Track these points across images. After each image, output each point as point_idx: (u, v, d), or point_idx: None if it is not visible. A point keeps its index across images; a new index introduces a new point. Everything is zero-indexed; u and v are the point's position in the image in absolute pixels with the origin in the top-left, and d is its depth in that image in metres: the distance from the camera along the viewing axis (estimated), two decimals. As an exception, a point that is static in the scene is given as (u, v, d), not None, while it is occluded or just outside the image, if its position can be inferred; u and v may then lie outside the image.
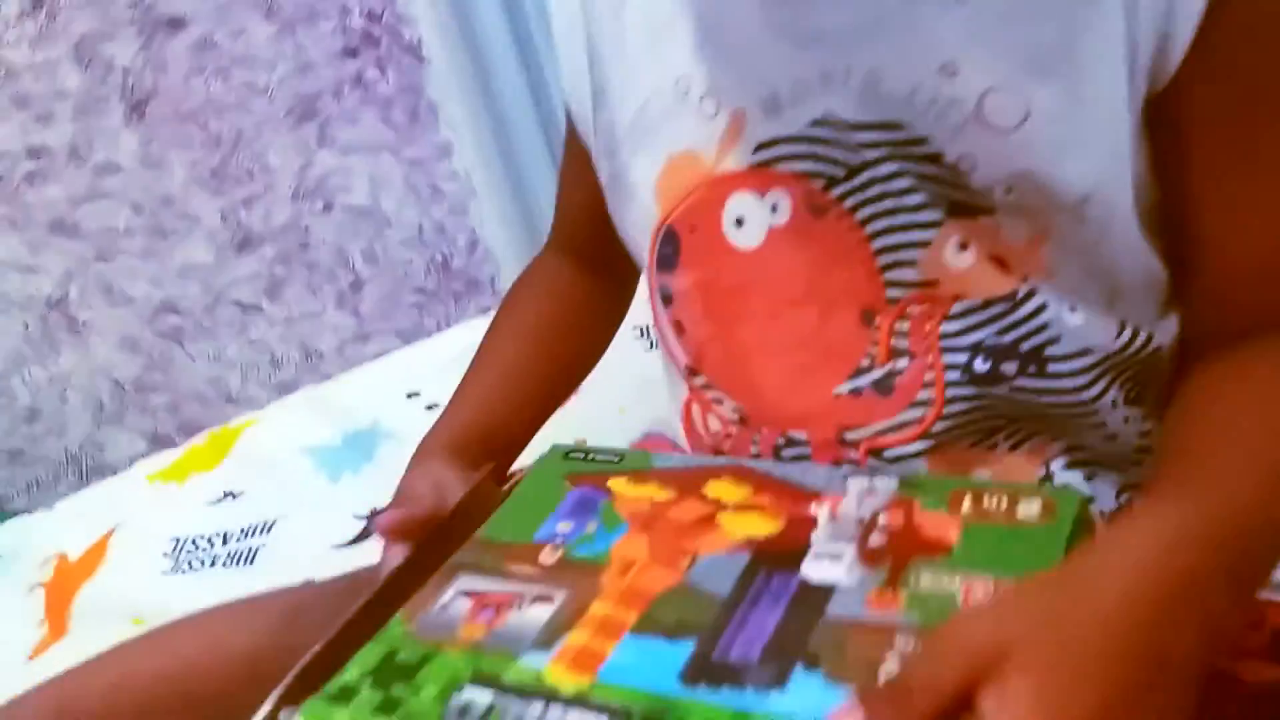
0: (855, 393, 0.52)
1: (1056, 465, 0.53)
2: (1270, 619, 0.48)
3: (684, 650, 0.39)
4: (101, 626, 0.68)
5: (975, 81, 0.46)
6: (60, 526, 0.90)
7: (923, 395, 0.51)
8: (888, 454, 0.52)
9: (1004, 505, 0.43)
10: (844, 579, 0.41)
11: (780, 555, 0.43)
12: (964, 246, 0.48)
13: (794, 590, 0.41)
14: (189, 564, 0.83)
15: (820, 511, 0.45)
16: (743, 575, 0.43)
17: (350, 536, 0.82)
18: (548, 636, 0.42)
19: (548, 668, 0.40)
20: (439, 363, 1.04)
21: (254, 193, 1.76)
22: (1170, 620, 0.34)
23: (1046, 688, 0.32)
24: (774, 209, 0.52)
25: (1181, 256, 0.49)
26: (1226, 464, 0.41)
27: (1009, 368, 0.49)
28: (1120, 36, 0.44)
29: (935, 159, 0.47)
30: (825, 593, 0.41)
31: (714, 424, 0.58)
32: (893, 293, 0.50)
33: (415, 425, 0.94)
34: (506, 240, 1.88)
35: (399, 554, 0.51)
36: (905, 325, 0.50)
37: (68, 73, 1.63)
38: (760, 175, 0.52)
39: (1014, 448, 0.52)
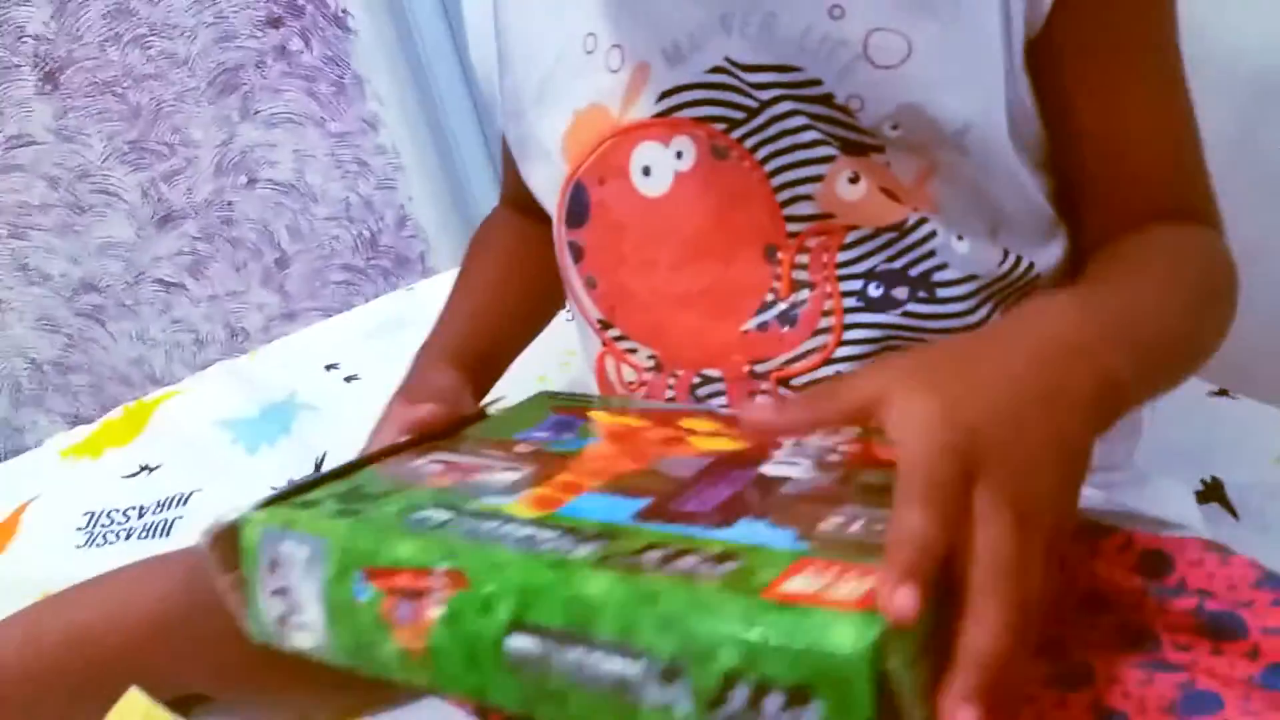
0: (762, 327, 0.54)
1: None
2: (1137, 543, 0.51)
3: (641, 502, 0.40)
4: (12, 602, 0.66)
5: (860, 21, 0.49)
6: (-31, 503, 0.88)
7: (824, 323, 0.53)
8: (795, 382, 0.54)
9: None
10: (799, 475, 0.43)
11: (742, 459, 0.45)
12: (855, 180, 0.51)
13: (751, 478, 0.43)
14: (103, 538, 0.81)
15: (787, 439, 0.47)
16: (705, 468, 0.44)
17: (268, 507, 0.81)
18: (512, 489, 0.43)
19: (509, 505, 0.41)
20: (358, 335, 1.03)
21: (175, 167, 1.72)
22: (1066, 363, 0.38)
23: (945, 392, 0.34)
24: (679, 155, 0.54)
25: (1072, 181, 0.54)
26: (1123, 280, 0.47)
27: (900, 293, 0.52)
28: None
29: (827, 100, 0.50)
30: (781, 480, 0.42)
31: (628, 374, 0.59)
32: (792, 227, 0.53)
33: (334, 397, 0.94)
34: (436, 216, 1.87)
35: (391, 435, 0.52)
36: (805, 258, 0.53)
37: (-24, 41, 1.58)
38: (665, 124, 0.54)
39: None
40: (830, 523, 0.37)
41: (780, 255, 0.53)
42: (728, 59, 0.52)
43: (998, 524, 0.32)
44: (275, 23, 1.69)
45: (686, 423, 0.51)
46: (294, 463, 0.85)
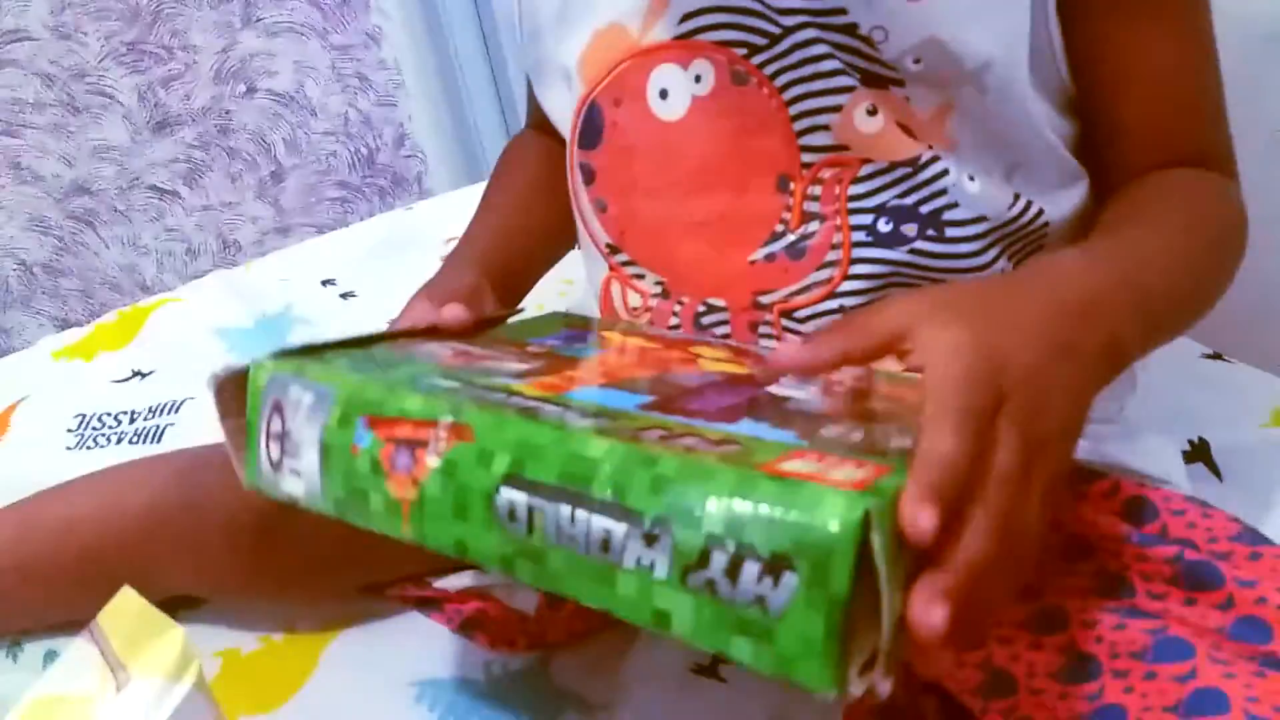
0: (769, 258, 0.54)
1: None
2: (1123, 489, 0.52)
3: (645, 397, 0.41)
4: (4, 500, 0.67)
5: None
6: (-42, 399, 0.88)
7: (830, 256, 0.53)
8: (798, 314, 0.54)
9: None
10: (804, 396, 0.43)
11: (749, 380, 0.46)
12: (873, 112, 0.51)
13: (756, 393, 0.43)
14: (94, 440, 0.81)
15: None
16: (711, 382, 0.45)
17: (260, 419, 0.81)
18: (519, 376, 0.43)
19: (516, 385, 0.41)
20: (356, 252, 1.03)
21: (173, 71, 1.69)
22: (1080, 320, 0.39)
23: (978, 323, 0.35)
24: (697, 79, 0.53)
25: (1095, 125, 0.54)
26: (1135, 233, 0.48)
27: (909, 229, 0.52)
28: None
29: (850, 29, 0.50)
30: (785, 399, 0.42)
31: (633, 299, 0.59)
32: (807, 157, 0.53)
33: (329, 312, 0.93)
34: (435, 135, 1.84)
35: (421, 317, 0.52)
36: (817, 189, 0.53)
37: (-28, -69, 1.54)
38: (685, 46, 0.53)
39: None
40: (831, 430, 0.37)
41: (793, 186, 0.53)
42: None
43: (1008, 448, 0.33)
44: (281, -73, 1.66)
45: (698, 349, 0.52)
46: (287, 376, 0.85)
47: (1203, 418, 0.66)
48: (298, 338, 0.90)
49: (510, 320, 0.58)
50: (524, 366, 0.45)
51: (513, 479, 0.35)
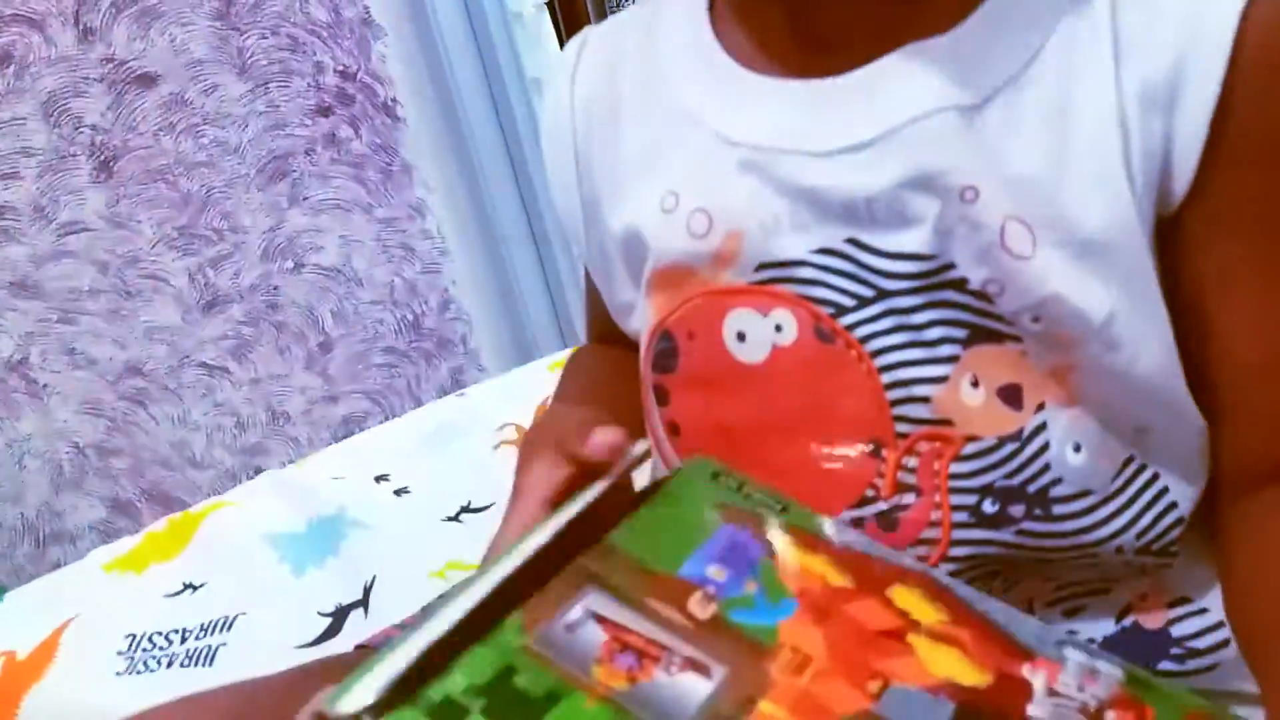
0: (858, 523, 0.50)
1: (1039, 601, 0.51)
2: None
3: None
4: (49, 734, 0.64)
5: (995, 207, 0.44)
6: (9, 620, 0.86)
7: (928, 534, 0.48)
8: None
9: None
10: None
11: (991, 713, 0.38)
12: (975, 384, 0.47)
13: None
14: (144, 664, 0.79)
15: (1035, 679, 0.40)
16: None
17: (314, 636, 0.78)
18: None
19: None
20: (409, 444, 1.01)
21: (223, 252, 1.73)
22: None
23: None
24: (778, 329, 0.50)
25: (1201, 395, 0.48)
26: None
27: (1016, 510, 0.47)
28: (1118, 158, 0.43)
29: (960, 285, 0.46)
30: None
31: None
32: (901, 427, 0.48)
33: (384, 512, 0.91)
34: (479, 298, 1.86)
35: (550, 474, 0.45)
36: (913, 461, 0.48)
37: (35, 129, 1.60)
38: (762, 293, 0.50)
39: (1007, 590, 0.50)
40: None
41: (885, 453, 0.49)
42: (851, 240, 0.48)
43: None
44: (325, 111, 1.71)
45: (900, 598, 0.43)
46: (342, 585, 0.83)
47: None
48: (351, 541, 0.88)
49: (651, 481, 0.50)
50: (704, 688, 0.37)
51: None
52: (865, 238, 0.47)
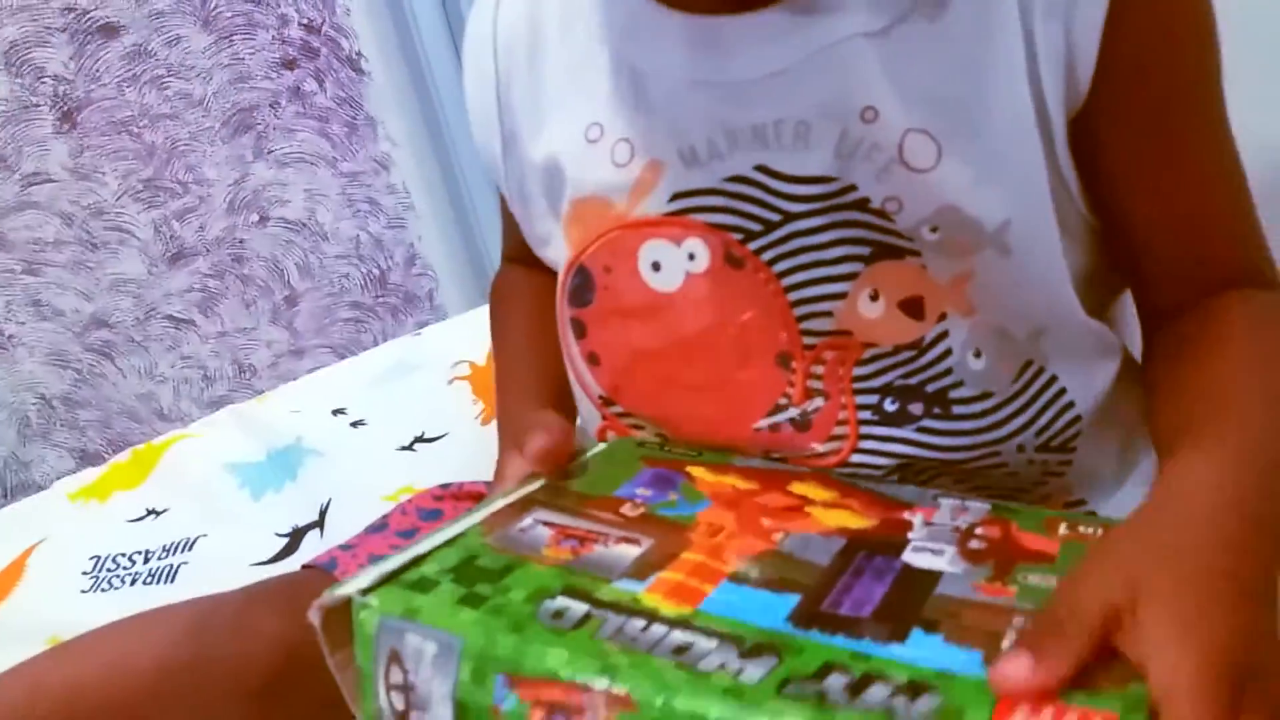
0: (774, 428, 0.53)
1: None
2: None
3: (789, 600, 0.37)
4: (19, 647, 0.66)
5: (894, 123, 0.48)
6: (-24, 545, 0.88)
7: (838, 430, 0.52)
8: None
9: (1099, 531, 0.43)
10: (949, 568, 0.40)
11: (877, 543, 0.42)
12: (875, 297, 0.50)
13: (898, 570, 0.40)
14: (109, 582, 0.82)
15: (914, 518, 0.44)
16: (840, 552, 0.41)
17: (271, 554, 0.81)
18: (639, 570, 0.40)
19: (644, 593, 0.38)
20: (366, 380, 1.04)
21: (188, 205, 1.74)
22: (1247, 535, 0.37)
23: (1184, 616, 0.33)
24: (691, 257, 0.53)
25: (1127, 258, 0.53)
26: (1252, 411, 0.44)
27: (916, 408, 0.51)
28: (1022, 69, 0.47)
29: (862, 204, 0.49)
30: (932, 576, 0.39)
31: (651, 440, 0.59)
32: (808, 340, 0.52)
33: (340, 442, 0.94)
34: (445, 254, 1.88)
35: (521, 469, 0.51)
36: (820, 369, 0.52)
37: (-4, 80, 1.60)
38: (676, 223, 0.53)
39: (920, 486, 0.54)
40: (1010, 640, 0.34)
41: (794, 364, 0.52)
42: (760, 168, 0.50)
43: None
44: (290, 65, 1.72)
45: (798, 488, 0.49)
46: (299, 508, 0.86)
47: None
48: (309, 468, 0.91)
49: (586, 455, 0.55)
50: (635, 551, 0.42)
51: None
52: (772, 163, 0.50)
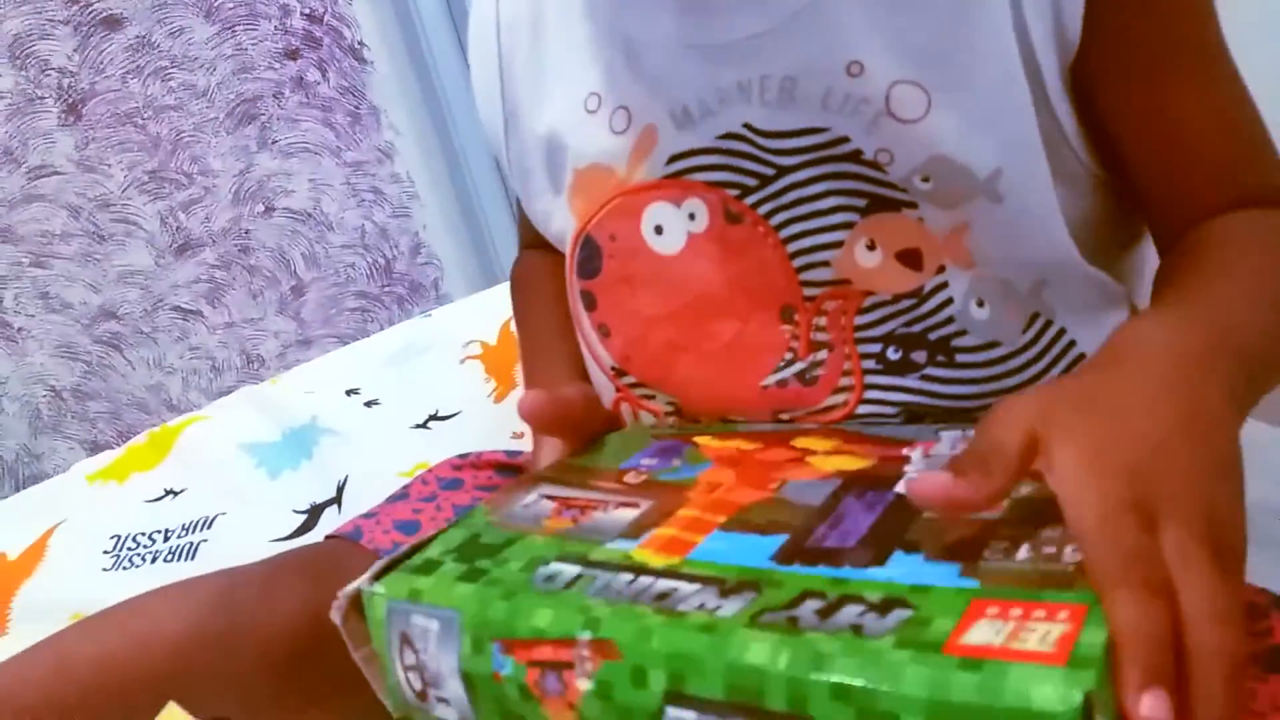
0: (781, 384, 0.54)
1: None
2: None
3: (776, 540, 0.38)
4: (41, 624, 0.67)
5: (880, 77, 0.49)
6: (-3, 527, 0.89)
7: (843, 382, 0.53)
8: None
9: None
10: None
11: (873, 478, 0.42)
12: (872, 246, 0.51)
13: (890, 500, 0.40)
14: (130, 561, 0.83)
15: (913, 452, 0.45)
16: (834, 492, 0.41)
17: (290, 530, 0.82)
18: (634, 530, 0.41)
19: (635, 549, 0.39)
20: (378, 360, 1.05)
21: (194, 196, 1.75)
22: (1193, 380, 0.36)
23: (1091, 438, 0.34)
24: (691, 217, 0.54)
25: (1144, 199, 0.53)
26: (1212, 285, 0.45)
27: (919, 356, 0.52)
28: (1007, 18, 0.47)
29: (855, 156, 0.50)
30: None
31: (646, 419, 0.60)
32: (809, 291, 0.53)
33: (355, 421, 0.95)
34: (450, 242, 1.89)
35: (554, 452, 0.53)
36: (823, 320, 0.53)
37: (1, 72, 1.61)
38: (676, 185, 0.54)
39: None
40: (993, 549, 0.34)
41: (797, 317, 0.53)
42: (747, 125, 0.52)
43: (1198, 574, 0.30)
44: (293, 55, 1.73)
45: (801, 442, 0.49)
46: (316, 485, 0.86)
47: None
48: (324, 447, 0.92)
49: (604, 439, 0.56)
50: (632, 513, 0.42)
51: (676, 697, 0.32)
52: (757, 120, 0.51)
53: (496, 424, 0.88)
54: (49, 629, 0.65)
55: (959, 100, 0.48)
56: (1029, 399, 0.36)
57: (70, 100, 1.65)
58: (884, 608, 0.32)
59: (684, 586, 0.35)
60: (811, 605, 0.32)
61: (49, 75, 1.63)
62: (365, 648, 0.42)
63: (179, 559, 0.82)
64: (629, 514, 0.42)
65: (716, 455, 0.49)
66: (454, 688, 0.38)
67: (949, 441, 0.46)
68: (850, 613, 0.32)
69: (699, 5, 0.53)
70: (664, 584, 0.36)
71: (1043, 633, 0.29)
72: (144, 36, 1.65)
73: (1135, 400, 0.35)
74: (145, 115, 1.68)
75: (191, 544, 0.83)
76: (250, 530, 0.82)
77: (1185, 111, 0.51)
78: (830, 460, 0.46)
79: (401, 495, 0.67)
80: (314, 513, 0.84)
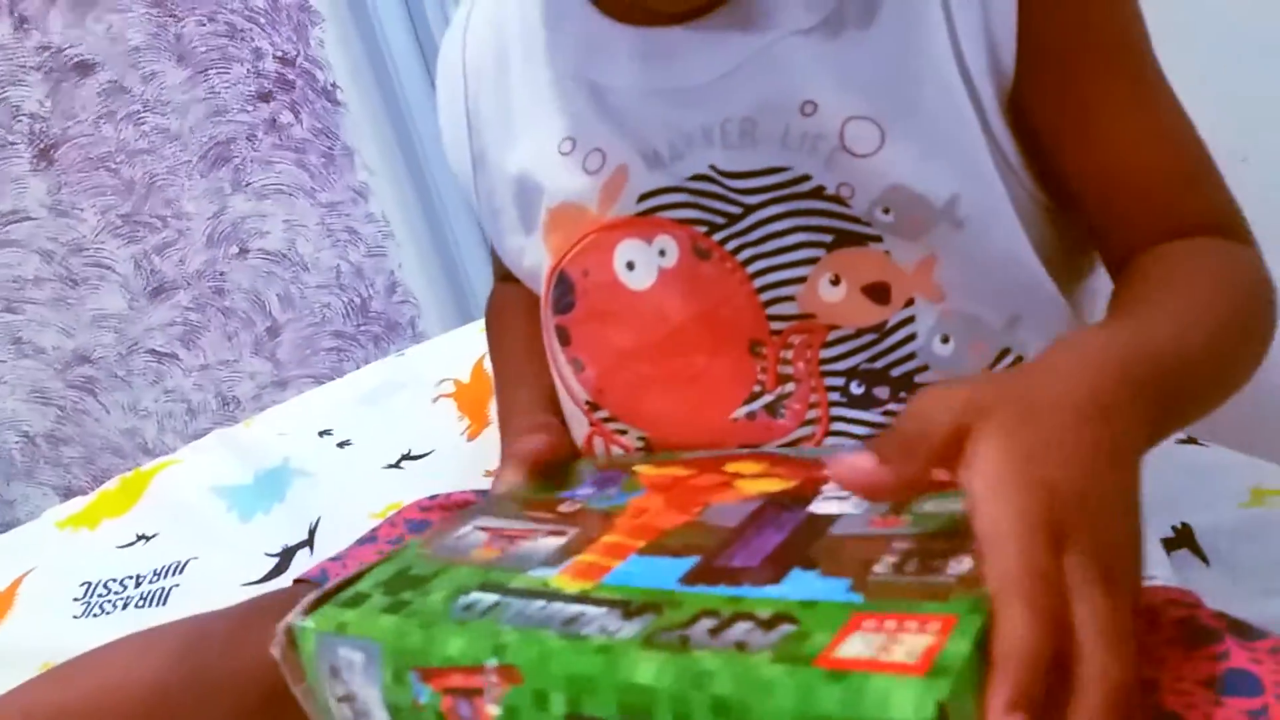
0: (750, 416, 0.55)
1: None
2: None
3: (687, 563, 0.39)
4: (11, 673, 0.67)
5: (834, 114, 0.50)
6: (-35, 577, 0.89)
7: (810, 415, 0.54)
8: None
9: None
10: (851, 510, 0.41)
11: (790, 499, 0.44)
12: (836, 281, 0.52)
13: (800, 519, 0.41)
14: (100, 607, 0.82)
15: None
16: (752, 513, 0.43)
17: (262, 574, 0.82)
18: (557, 557, 0.42)
19: (554, 577, 0.40)
20: (351, 400, 1.05)
21: (167, 239, 1.75)
22: (1115, 404, 0.36)
23: (1017, 444, 0.34)
24: (662, 253, 0.55)
25: (1092, 227, 0.54)
26: (1150, 306, 0.46)
27: (881, 392, 0.53)
28: (948, 52, 0.49)
29: (818, 193, 0.51)
30: (830, 519, 0.40)
31: (617, 453, 0.60)
32: (775, 325, 0.54)
33: (327, 462, 0.95)
34: (425, 280, 1.89)
35: (515, 478, 0.54)
36: (789, 354, 0.54)
37: (-28, 120, 1.61)
38: (645, 223, 0.55)
39: None
40: (884, 564, 0.35)
41: (764, 350, 0.54)
42: (712, 167, 0.53)
43: (1094, 599, 0.31)
44: (266, 97, 1.74)
45: (732, 466, 0.50)
46: (288, 528, 0.86)
47: (1183, 503, 0.67)
48: (296, 489, 0.92)
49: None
50: (558, 541, 0.44)
51: (576, 718, 0.33)
52: (722, 162, 0.53)
53: (469, 462, 0.88)
54: (19, 678, 0.64)
55: (910, 130, 0.50)
56: (962, 389, 0.37)
57: (42, 145, 1.65)
58: (771, 624, 0.33)
59: (590, 610, 0.36)
60: (705, 624, 0.34)
61: (20, 121, 1.63)
62: (303, 683, 0.42)
63: (150, 605, 0.81)
64: (555, 541, 0.44)
65: (651, 482, 0.50)
66: (381, 717, 0.39)
67: None
68: (739, 630, 0.33)
69: (659, 52, 0.54)
70: (572, 609, 0.37)
71: (910, 644, 0.29)
72: (116, 81, 1.65)
73: (1068, 416, 0.35)
74: (118, 159, 1.69)
75: (163, 589, 0.83)
76: (222, 574, 0.82)
77: (1120, 141, 0.52)
78: (756, 484, 0.47)
79: (370, 538, 0.68)
80: (286, 555, 0.84)
